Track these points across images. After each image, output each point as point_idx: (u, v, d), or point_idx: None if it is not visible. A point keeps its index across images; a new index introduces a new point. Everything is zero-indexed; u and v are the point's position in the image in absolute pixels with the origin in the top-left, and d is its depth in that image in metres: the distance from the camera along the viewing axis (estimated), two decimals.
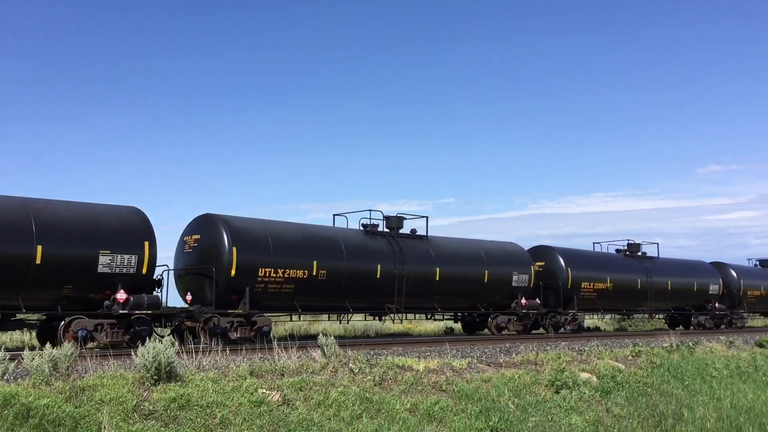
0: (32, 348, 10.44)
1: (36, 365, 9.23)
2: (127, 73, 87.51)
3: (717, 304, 32.81)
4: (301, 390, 10.51)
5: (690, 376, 16.29)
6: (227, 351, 12.39)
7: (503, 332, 23.55)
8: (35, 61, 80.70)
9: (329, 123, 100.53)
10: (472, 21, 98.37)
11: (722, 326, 32.84)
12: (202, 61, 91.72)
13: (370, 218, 21.39)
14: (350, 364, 11.91)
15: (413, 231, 22.21)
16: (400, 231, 21.82)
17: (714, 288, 32.91)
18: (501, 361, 14.63)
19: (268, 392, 10.12)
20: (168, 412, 9.03)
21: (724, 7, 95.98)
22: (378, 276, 20.06)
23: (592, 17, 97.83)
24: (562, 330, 25.75)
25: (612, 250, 30.60)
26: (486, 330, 24.53)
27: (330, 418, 10.00)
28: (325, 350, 12.13)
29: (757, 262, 39.09)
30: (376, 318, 22.10)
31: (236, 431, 9.12)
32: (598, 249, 30.42)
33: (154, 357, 9.69)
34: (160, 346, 9.84)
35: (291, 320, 21.55)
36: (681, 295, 31.48)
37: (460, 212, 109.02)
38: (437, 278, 21.62)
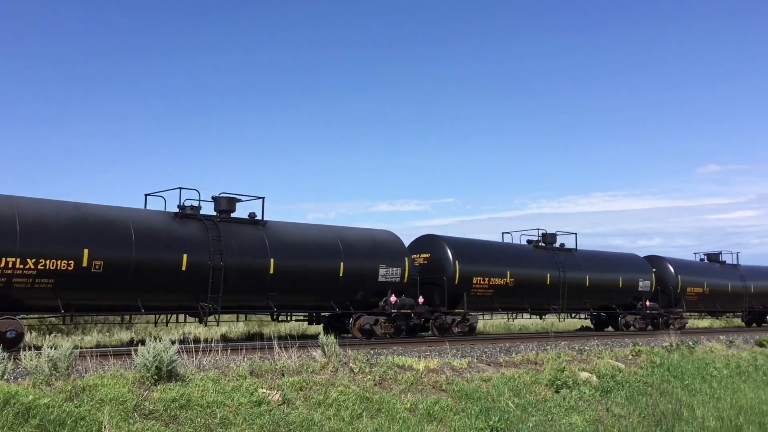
0: (29, 348, 10.44)
1: (36, 365, 9.23)
2: (127, 73, 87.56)
3: (648, 303, 29.07)
4: (301, 390, 10.52)
5: (690, 375, 16.31)
6: (228, 351, 12.40)
7: (374, 337, 19.80)
8: (34, 61, 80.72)
9: (329, 123, 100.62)
10: (472, 21, 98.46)
11: (660, 328, 29.03)
12: (202, 61, 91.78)
13: (180, 199, 17.51)
14: (350, 364, 11.92)
15: (251, 215, 18.59)
16: (233, 215, 18.32)
17: (644, 284, 29.02)
18: (501, 360, 14.64)
19: (268, 392, 10.13)
20: (168, 411, 9.04)
21: (724, 7, 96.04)
22: (184, 269, 16.40)
23: (592, 17, 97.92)
24: (449, 332, 22.32)
25: (524, 241, 26.70)
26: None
27: (330, 418, 10.02)
28: (326, 350, 12.15)
29: (704, 256, 35.46)
30: (196, 319, 18.11)
31: (237, 431, 9.13)
32: (508, 240, 26.53)
33: (154, 356, 9.69)
34: (160, 346, 9.84)
35: (64, 323, 17.71)
36: (603, 293, 27.81)
37: (459, 212, 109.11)
38: (271, 272, 17.92)
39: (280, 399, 10.05)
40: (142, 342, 10.41)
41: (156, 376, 9.63)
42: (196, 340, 12.07)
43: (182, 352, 11.19)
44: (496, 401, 11.92)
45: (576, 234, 27.62)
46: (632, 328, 28.46)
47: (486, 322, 30.78)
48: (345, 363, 11.94)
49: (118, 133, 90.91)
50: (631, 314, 28.84)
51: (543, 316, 28.25)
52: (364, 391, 10.98)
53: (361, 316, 19.98)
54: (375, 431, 10.02)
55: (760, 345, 21.70)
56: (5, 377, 9.28)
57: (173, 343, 10.30)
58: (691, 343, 19.17)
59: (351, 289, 19.93)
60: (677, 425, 12.36)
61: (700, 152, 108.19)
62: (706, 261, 35.12)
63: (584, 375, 14.35)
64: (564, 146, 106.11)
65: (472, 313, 23.15)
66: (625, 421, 12.40)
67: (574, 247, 27.56)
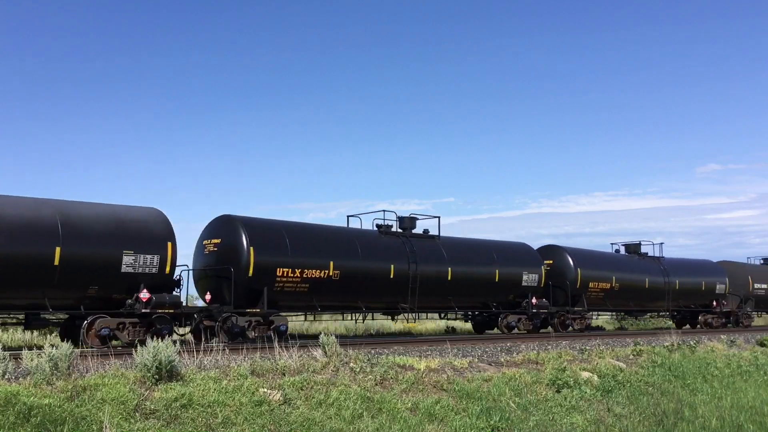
0: (31, 347, 10.45)
1: (36, 364, 9.24)
2: (131, 72, 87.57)
3: (535, 300, 24.53)
4: (302, 389, 10.52)
5: (691, 375, 16.32)
6: (228, 350, 12.41)
7: (112, 344, 15.22)
8: (39, 60, 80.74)
9: (329, 123, 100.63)
10: (471, 20, 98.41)
11: (557, 329, 25.65)
12: (204, 62, 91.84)
13: None
14: (351, 364, 11.92)
15: None
16: None
17: (530, 278, 24.46)
18: (502, 360, 14.64)
19: (269, 391, 10.13)
20: (169, 411, 9.04)
21: (724, 7, 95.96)
22: None
23: (592, 17, 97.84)
24: (244, 337, 17.43)
25: (375, 226, 22.17)
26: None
27: (331, 418, 10.02)
28: (326, 349, 12.14)
29: (622, 247, 31.33)
30: None
31: (238, 430, 9.13)
32: (356, 224, 22.14)
33: (154, 356, 9.69)
34: (160, 345, 9.85)
35: None
36: (474, 289, 23.11)
37: (460, 211, 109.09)
38: None
39: (281, 399, 10.05)
40: (143, 342, 10.41)
41: (157, 376, 9.63)
42: (197, 340, 12.07)
43: (183, 351, 11.19)
44: (497, 401, 11.92)
45: (439, 218, 22.98)
46: (511, 330, 24.11)
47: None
48: (346, 363, 11.93)
49: (118, 133, 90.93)
50: (515, 314, 24.28)
51: (394, 317, 22.93)
52: (364, 390, 10.98)
53: (98, 318, 15.39)
54: (376, 431, 10.02)
55: (761, 344, 21.70)
56: (6, 377, 9.28)
57: (174, 343, 10.31)
58: (692, 343, 19.18)
59: (79, 283, 15.28)
60: (678, 425, 12.35)
61: (700, 152, 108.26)
62: (623, 253, 31.09)
63: (585, 375, 14.35)
64: (564, 146, 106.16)
65: (282, 314, 18.45)
66: (627, 421, 12.40)
67: (437, 234, 22.78)
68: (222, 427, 9.09)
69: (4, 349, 10.18)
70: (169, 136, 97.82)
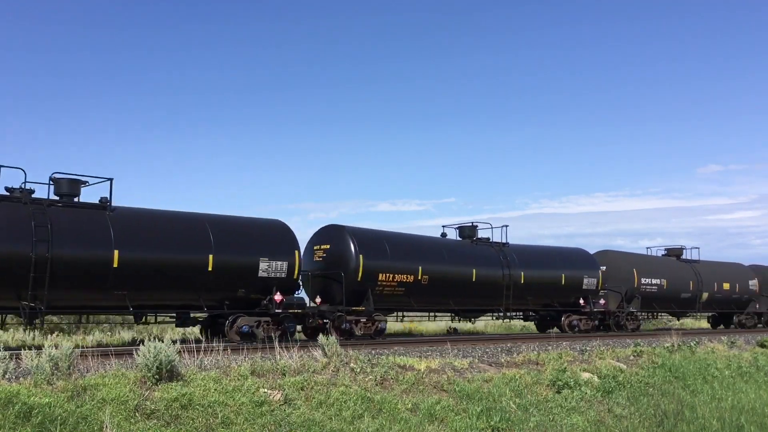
0: (30, 347, 10.45)
1: (37, 364, 9.24)
2: (127, 71, 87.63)
3: (279, 297, 17.46)
4: (302, 389, 10.53)
5: (691, 376, 16.34)
6: (228, 350, 12.41)
7: None
8: (28, 55, 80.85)
9: (330, 122, 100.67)
10: (472, 20, 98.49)
11: (340, 334, 17.91)
12: (202, 59, 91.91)
13: None
14: (351, 364, 11.93)
15: None
16: None
17: (274, 268, 17.60)
18: (502, 360, 14.66)
19: (269, 392, 10.14)
20: (170, 411, 9.06)
21: (725, 7, 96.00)
22: None
23: (591, 16, 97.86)
24: None
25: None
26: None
27: (331, 418, 10.03)
28: (326, 349, 12.15)
29: (455, 231, 24.12)
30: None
31: (238, 431, 9.14)
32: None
33: (155, 356, 9.70)
34: (160, 345, 9.85)
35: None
36: (161, 282, 16.01)
37: (461, 212, 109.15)
38: None
39: (281, 399, 10.06)
40: (144, 341, 10.42)
41: (157, 376, 9.64)
42: (198, 340, 12.09)
43: (184, 351, 11.19)
44: (498, 401, 11.93)
45: (111, 180, 15.88)
46: (250, 340, 16.71)
47: (487, 323, 30.56)
48: (346, 363, 11.94)
49: (115, 132, 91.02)
50: (252, 315, 17.45)
51: (31, 322, 14.75)
52: (365, 391, 10.99)
53: None
54: (376, 431, 10.03)
55: (762, 345, 21.71)
56: (7, 376, 9.29)
57: (174, 342, 10.31)
58: (692, 344, 19.21)
59: None
60: (679, 426, 12.37)
61: (700, 152, 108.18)
62: (455, 238, 23.98)
63: (585, 375, 14.37)
64: (565, 146, 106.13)
65: None
66: (627, 422, 12.41)
67: (109, 204, 15.81)
68: (222, 427, 9.10)
69: (5, 349, 10.19)
70: (168, 136, 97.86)
